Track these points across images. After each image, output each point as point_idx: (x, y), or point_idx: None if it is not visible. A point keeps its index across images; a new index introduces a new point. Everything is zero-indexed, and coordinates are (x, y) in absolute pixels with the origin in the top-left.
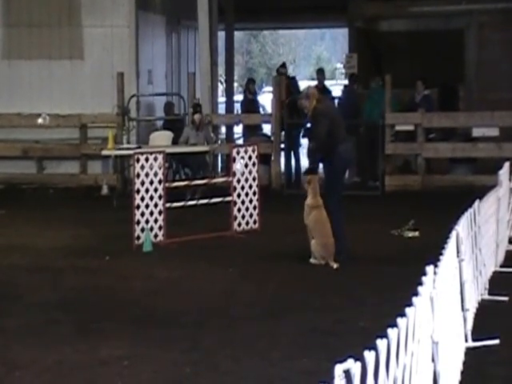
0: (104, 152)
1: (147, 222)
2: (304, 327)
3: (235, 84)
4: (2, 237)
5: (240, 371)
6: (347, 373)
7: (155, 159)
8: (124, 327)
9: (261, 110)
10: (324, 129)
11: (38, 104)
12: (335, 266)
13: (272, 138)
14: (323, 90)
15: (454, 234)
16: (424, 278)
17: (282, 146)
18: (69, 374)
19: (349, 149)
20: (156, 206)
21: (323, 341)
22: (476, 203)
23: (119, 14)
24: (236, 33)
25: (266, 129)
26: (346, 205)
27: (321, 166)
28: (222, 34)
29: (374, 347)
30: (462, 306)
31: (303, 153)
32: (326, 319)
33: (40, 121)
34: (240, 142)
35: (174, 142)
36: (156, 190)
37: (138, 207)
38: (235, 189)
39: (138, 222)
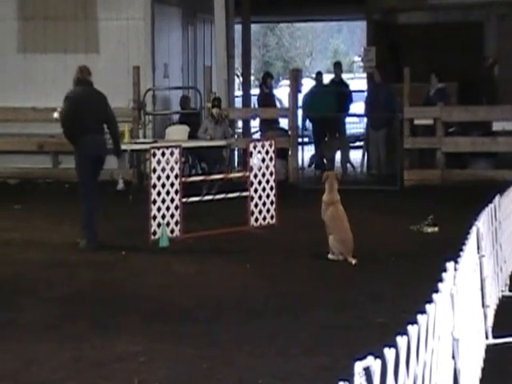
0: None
1: (163, 217)
2: (321, 323)
3: (252, 78)
4: (18, 232)
5: (257, 367)
6: (367, 370)
7: (171, 154)
8: (140, 322)
9: (277, 103)
10: (63, 112)
11: (53, 98)
12: (353, 261)
13: (289, 132)
14: (340, 84)
15: (474, 229)
16: (444, 275)
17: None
18: (85, 369)
19: (96, 142)
20: (172, 200)
21: (341, 337)
22: (496, 198)
23: (135, 7)
24: (252, 26)
25: (283, 123)
26: (364, 199)
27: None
28: (238, 27)
29: (392, 344)
30: (483, 302)
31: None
32: (344, 315)
33: (55, 115)
34: (257, 136)
35: (191, 136)
36: (172, 184)
37: (155, 202)
38: (252, 183)
39: (155, 217)
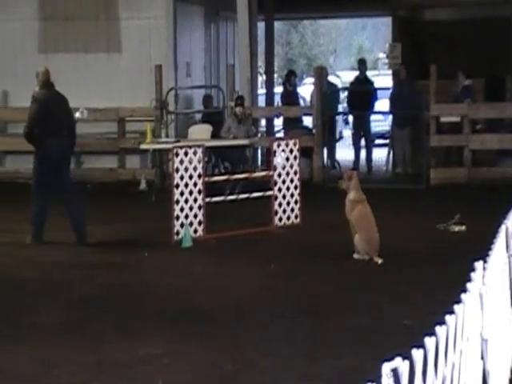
0: (142, 146)
1: (186, 217)
2: (346, 324)
3: (275, 75)
4: None
5: (281, 370)
6: (394, 371)
7: (194, 153)
8: (163, 324)
9: (301, 101)
10: (32, 115)
11: (75, 98)
12: (379, 261)
13: (314, 131)
14: (365, 81)
15: (502, 228)
16: (473, 274)
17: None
18: (107, 372)
19: (59, 145)
20: (195, 200)
21: (366, 339)
22: None
23: (157, 6)
24: (275, 23)
25: (307, 121)
26: (389, 198)
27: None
28: (261, 25)
29: (418, 345)
30: None
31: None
32: (369, 316)
33: (78, 115)
34: (280, 134)
35: (213, 136)
36: (195, 184)
37: (177, 202)
38: (276, 183)
39: (178, 217)
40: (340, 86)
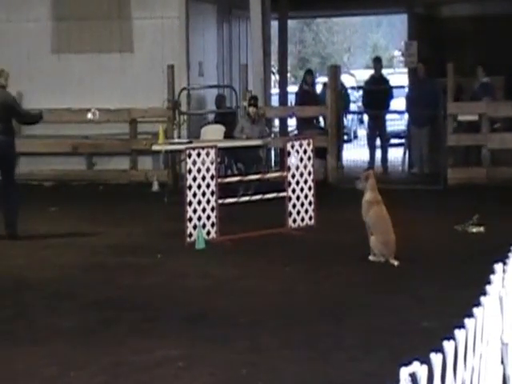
0: (154, 147)
1: (199, 218)
2: (365, 327)
3: (288, 75)
4: (54, 234)
5: (299, 373)
6: (413, 376)
7: (207, 154)
8: (178, 327)
9: None
10: None
11: (88, 98)
12: (396, 263)
13: (329, 131)
14: (381, 80)
15: None
16: (492, 277)
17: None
18: (124, 375)
19: (1, 143)
20: (208, 202)
21: (385, 341)
22: None
23: (169, 5)
24: (289, 21)
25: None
26: (406, 199)
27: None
28: (274, 24)
29: (438, 348)
30: None
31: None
32: (388, 319)
33: (90, 116)
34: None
35: (226, 136)
36: (208, 185)
37: (190, 204)
38: (290, 184)
39: (191, 219)
40: (355, 84)
